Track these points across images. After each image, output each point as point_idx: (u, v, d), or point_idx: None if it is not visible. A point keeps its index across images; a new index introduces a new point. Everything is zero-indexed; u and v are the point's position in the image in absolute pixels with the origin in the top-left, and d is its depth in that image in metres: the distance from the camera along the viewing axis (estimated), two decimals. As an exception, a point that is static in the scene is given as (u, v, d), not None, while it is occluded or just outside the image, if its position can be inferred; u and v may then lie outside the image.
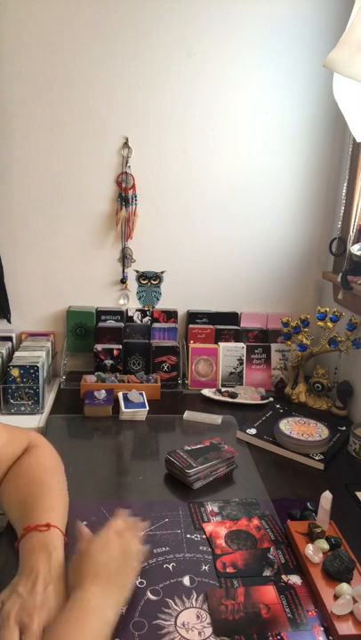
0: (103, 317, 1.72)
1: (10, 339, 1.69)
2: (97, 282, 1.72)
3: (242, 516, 1.03)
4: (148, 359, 1.67)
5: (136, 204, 1.64)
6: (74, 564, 0.77)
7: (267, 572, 0.88)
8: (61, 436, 1.34)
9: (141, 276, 1.73)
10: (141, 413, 1.43)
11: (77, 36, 1.49)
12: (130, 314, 1.75)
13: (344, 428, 1.42)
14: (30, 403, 1.46)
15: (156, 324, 1.73)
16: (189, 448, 1.19)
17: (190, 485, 1.11)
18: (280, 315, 1.72)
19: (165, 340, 1.70)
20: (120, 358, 1.65)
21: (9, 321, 1.69)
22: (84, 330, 1.70)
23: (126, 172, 1.61)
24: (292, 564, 0.91)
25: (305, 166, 1.66)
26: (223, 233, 1.70)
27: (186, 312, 1.77)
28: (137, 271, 1.72)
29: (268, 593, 0.84)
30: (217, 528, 0.99)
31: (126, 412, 1.42)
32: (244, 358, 1.70)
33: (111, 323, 1.71)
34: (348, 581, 0.85)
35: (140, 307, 1.76)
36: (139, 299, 1.75)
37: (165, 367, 1.65)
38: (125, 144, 1.59)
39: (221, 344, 1.70)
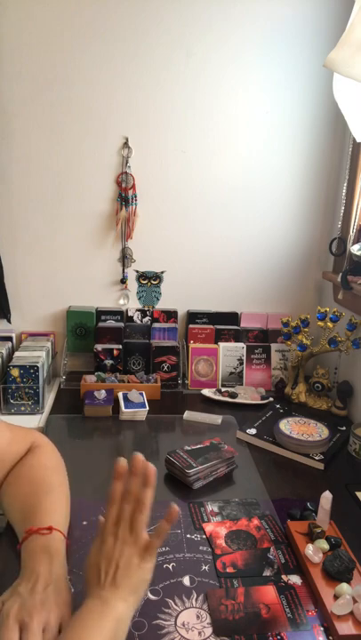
0: (103, 317, 1.72)
1: (10, 339, 1.69)
2: (97, 282, 1.72)
3: (242, 516, 1.03)
4: (148, 359, 1.67)
5: (136, 204, 1.64)
6: (91, 561, 0.73)
7: (267, 572, 0.88)
8: (61, 436, 1.34)
9: (141, 276, 1.73)
10: (141, 413, 1.43)
11: (77, 36, 1.49)
12: (130, 314, 1.75)
13: (344, 428, 1.42)
14: (30, 403, 1.46)
15: (156, 324, 1.73)
16: (189, 448, 1.19)
17: (190, 485, 1.11)
18: (280, 315, 1.72)
19: (165, 339, 1.70)
20: (120, 358, 1.65)
21: (9, 321, 1.69)
22: (84, 330, 1.70)
23: (126, 172, 1.61)
24: (292, 563, 0.91)
25: (305, 166, 1.66)
26: (223, 233, 1.70)
27: (186, 312, 1.77)
28: (137, 271, 1.72)
29: (268, 593, 0.84)
30: (217, 528, 0.99)
31: (126, 412, 1.42)
32: (244, 358, 1.70)
33: (111, 323, 1.71)
34: (348, 581, 0.85)
35: (140, 307, 1.76)
36: (139, 299, 1.75)
37: (165, 367, 1.65)
38: (125, 144, 1.59)
39: (221, 344, 1.70)
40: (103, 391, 1.46)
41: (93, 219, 1.65)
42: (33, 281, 1.68)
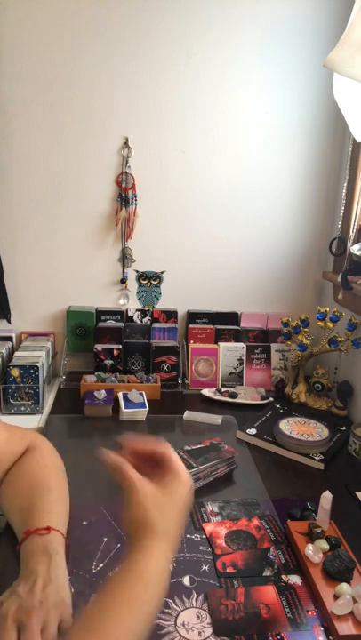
0: (103, 317, 1.72)
1: (10, 339, 1.69)
2: (97, 282, 1.72)
3: (242, 516, 1.03)
4: (148, 359, 1.67)
5: (136, 204, 1.64)
6: (135, 512, 0.66)
7: (267, 572, 0.88)
8: (61, 436, 1.34)
9: (141, 276, 1.73)
10: (141, 413, 1.43)
11: (77, 36, 1.49)
12: (130, 314, 1.75)
13: (344, 428, 1.42)
14: (30, 403, 1.46)
15: (156, 324, 1.73)
16: (189, 448, 1.19)
17: (190, 485, 1.11)
18: (280, 315, 1.72)
19: (165, 339, 1.70)
20: (120, 358, 1.65)
21: (9, 321, 1.69)
22: (84, 330, 1.70)
23: (126, 172, 1.61)
24: (292, 563, 0.91)
25: (305, 166, 1.66)
26: (223, 233, 1.70)
27: (186, 312, 1.77)
28: (137, 271, 1.72)
29: (268, 593, 0.84)
30: (217, 528, 0.99)
31: (126, 412, 1.42)
32: (244, 358, 1.70)
33: (111, 323, 1.71)
34: (348, 581, 0.85)
35: (140, 307, 1.76)
36: (139, 299, 1.75)
37: (165, 367, 1.65)
38: (125, 144, 1.59)
39: (221, 344, 1.70)
40: (103, 391, 1.46)
41: (93, 219, 1.65)
42: (33, 281, 1.68)
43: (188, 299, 1.76)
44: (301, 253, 1.75)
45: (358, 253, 1.47)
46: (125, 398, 1.45)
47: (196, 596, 0.83)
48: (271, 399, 1.59)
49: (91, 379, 1.55)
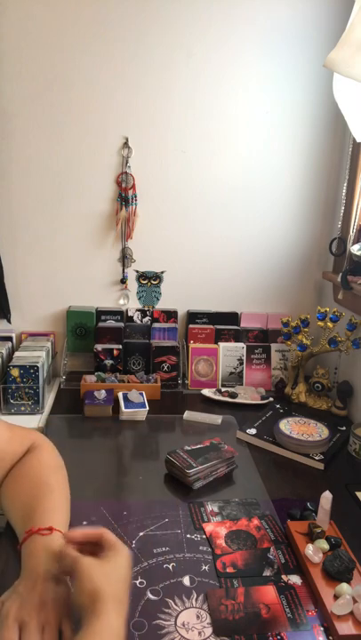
0: (103, 317, 1.72)
1: (10, 339, 1.69)
2: (97, 282, 1.72)
3: (242, 516, 1.03)
4: (148, 359, 1.67)
5: (136, 204, 1.64)
6: (81, 584, 0.69)
7: (267, 572, 0.88)
8: (61, 436, 1.34)
9: (141, 276, 1.73)
10: (141, 413, 1.43)
11: (77, 36, 1.49)
12: (130, 314, 1.75)
13: (344, 428, 1.42)
14: (30, 403, 1.46)
15: (156, 324, 1.73)
16: (189, 448, 1.19)
17: (190, 485, 1.11)
18: (280, 315, 1.72)
19: (165, 340, 1.70)
20: (120, 358, 1.65)
21: (9, 321, 1.69)
22: (84, 330, 1.70)
23: (126, 172, 1.61)
24: (292, 563, 0.91)
25: (305, 166, 1.66)
26: (223, 233, 1.70)
27: (186, 312, 1.77)
28: (137, 271, 1.72)
29: (268, 593, 0.84)
30: (217, 528, 0.99)
31: (126, 412, 1.42)
32: (244, 358, 1.70)
33: (111, 323, 1.71)
34: (348, 581, 0.85)
35: (140, 307, 1.76)
36: (139, 299, 1.75)
37: (165, 367, 1.65)
38: (125, 144, 1.59)
39: (221, 344, 1.70)
40: (103, 391, 1.46)
41: (93, 219, 1.65)
42: (33, 281, 1.68)
43: (188, 299, 1.76)
44: (301, 253, 1.75)
45: (358, 253, 1.47)
46: (125, 398, 1.45)
47: (196, 595, 0.83)
48: (271, 399, 1.59)
49: (91, 379, 1.55)
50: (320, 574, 0.86)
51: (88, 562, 0.71)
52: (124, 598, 0.70)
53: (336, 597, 0.82)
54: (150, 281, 1.73)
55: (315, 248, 1.74)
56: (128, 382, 1.56)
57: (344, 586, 0.83)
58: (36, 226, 1.63)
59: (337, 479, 1.19)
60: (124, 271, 1.71)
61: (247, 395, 1.58)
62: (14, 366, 1.45)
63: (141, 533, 0.96)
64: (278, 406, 1.52)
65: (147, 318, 1.75)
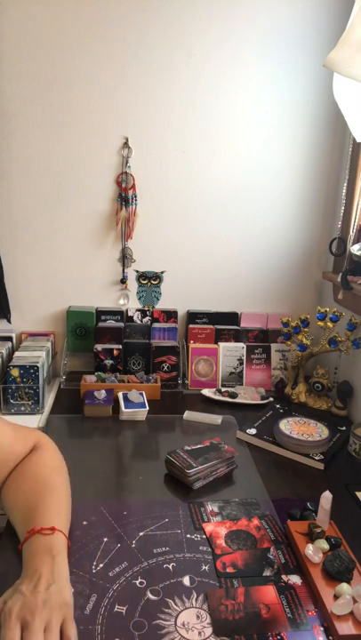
0: (103, 317, 1.72)
1: (10, 339, 1.69)
2: (97, 282, 1.72)
3: (242, 516, 1.03)
4: (148, 359, 1.67)
5: (136, 204, 1.64)
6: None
7: (267, 572, 0.88)
8: (61, 436, 1.34)
9: (141, 276, 1.73)
10: (141, 413, 1.43)
11: (77, 36, 1.49)
12: (130, 314, 1.75)
13: (344, 428, 1.42)
14: (30, 403, 1.46)
15: (156, 324, 1.73)
16: (189, 448, 1.19)
17: (190, 485, 1.11)
18: (280, 315, 1.72)
19: (165, 340, 1.70)
20: (120, 358, 1.65)
21: (9, 321, 1.69)
22: (84, 330, 1.70)
23: (126, 172, 1.61)
24: (292, 563, 0.91)
25: (305, 166, 1.66)
26: (223, 233, 1.70)
27: (186, 312, 1.77)
28: (137, 271, 1.72)
29: (268, 593, 0.84)
30: (217, 528, 0.99)
31: (126, 412, 1.42)
32: (244, 358, 1.70)
33: (111, 323, 1.71)
34: (348, 581, 0.85)
35: (140, 307, 1.76)
36: (139, 299, 1.75)
37: (165, 367, 1.65)
38: (125, 144, 1.59)
39: (221, 344, 1.70)
40: (103, 391, 1.46)
41: (93, 219, 1.65)
42: (33, 281, 1.68)
43: (188, 299, 1.76)
44: (301, 253, 1.75)
45: (358, 253, 1.47)
46: (125, 398, 1.45)
47: (196, 596, 0.83)
48: (271, 399, 1.59)
49: (91, 379, 1.55)
50: (320, 574, 0.86)
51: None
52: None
53: (336, 597, 0.82)
54: (150, 281, 1.73)
55: (315, 248, 1.74)
56: (128, 382, 1.56)
57: (344, 586, 0.83)
58: (36, 226, 1.63)
59: (337, 479, 1.19)
60: (124, 271, 1.71)
61: (247, 395, 1.58)
62: (14, 366, 1.45)
63: (141, 533, 0.96)
64: (278, 406, 1.52)
65: (147, 318, 1.75)
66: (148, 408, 1.44)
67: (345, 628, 0.77)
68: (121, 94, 1.55)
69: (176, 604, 0.81)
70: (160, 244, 1.70)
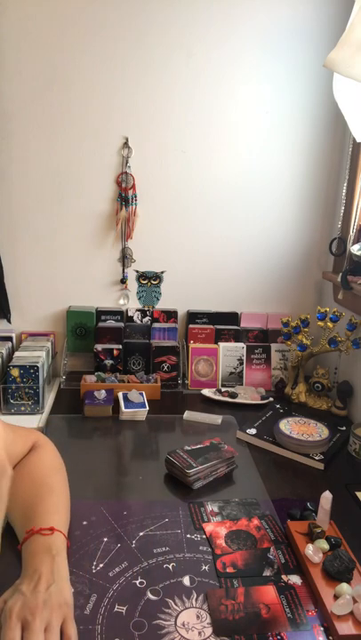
0: (103, 317, 1.72)
1: (10, 339, 1.69)
2: (97, 282, 1.72)
3: (242, 516, 1.03)
4: (148, 359, 1.67)
5: (136, 204, 1.64)
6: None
7: (267, 572, 0.88)
8: (61, 436, 1.34)
9: (141, 276, 1.73)
10: (141, 413, 1.43)
11: (77, 36, 1.49)
12: (130, 314, 1.75)
13: (344, 428, 1.42)
14: (30, 403, 1.46)
15: (156, 324, 1.73)
16: (189, 448, 1.19)
17: (190, 485, 1.11)
18: (280, 315, 1.72)
19: (165, 340, 1.70)
20: (120, 358, 1.65)
21: (9, 321, 1.69)
22: (84, 330, 1.70)
23: (126, 172, 1.61)
24: (292, 563, 0.91)
25: (305, 166, 1.66)
26: (223, 233, 1.70)
27: (186, 312, 1.77)
28: (137, 271, 1.72)
29: (268, 593, 0.84)
30: (217, 528, 0.99)
31: (126, 412, 1.42)
32: (244, 358, 1.70)
33: (111, 323, 1.71)
34: (348, 581, 0.85)
35: (140, 307, 1.76)
36: (139, 299, 1.75)
37: (165, 367, 1.65)
38: (125, 144, 1.59)
39: (221, 344, 1.70)
40: (103, 391, 1.46)
41: (93, 219, 1.65)
42: (33, 281, 1.68)
43: (188, 299, 1.76)
44: (301, 253, 1.75)
45: (358, 253, 1.47)
46: (125, 398, 1.45)
47: (196, 595, 0.83)
48: (271, 399, 1.59)
49: (91, 379, 1.55)
50: (320, 574, 0.86)
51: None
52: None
53: (336, 597, 0.82)
54: (150, 281, 1.73)
55: (315, 248, 1.74)
56: (128, 382, 1.56)
57: (344, 586, 0.83)
58: (36, 226, 1.63)
59: (337, 479, 1.19)
60: (124, 271, 1.71)
61: (247, 395, 1.58)
62: (14, 366, 1.45)
63: (141, 533, 0.96)
64: (278, 406, 1.52)
65: (147, 318, 1.75)
66: (148, 408, 1.44)
67: (345, 628, 0.77)
68: (121, 94, 1.55)
69: (176, 604, 0.81)
70: (160, 244, 1.70)
